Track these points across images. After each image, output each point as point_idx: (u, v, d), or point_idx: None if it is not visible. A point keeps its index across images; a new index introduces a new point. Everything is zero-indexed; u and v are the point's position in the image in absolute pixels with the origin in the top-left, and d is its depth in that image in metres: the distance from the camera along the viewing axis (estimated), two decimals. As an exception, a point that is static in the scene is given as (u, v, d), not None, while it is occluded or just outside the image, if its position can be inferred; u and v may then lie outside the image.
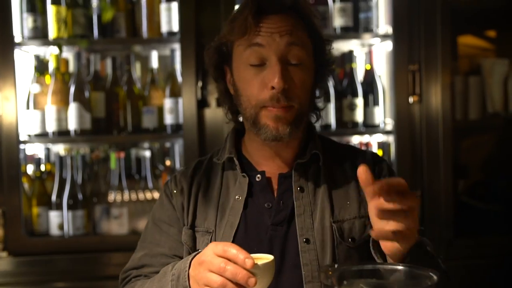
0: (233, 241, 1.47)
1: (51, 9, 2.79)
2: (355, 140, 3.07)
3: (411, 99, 2.80)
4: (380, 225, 1.17)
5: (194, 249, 1.54)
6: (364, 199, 1.48)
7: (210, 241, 1.50)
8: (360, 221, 1.51)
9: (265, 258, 1.25)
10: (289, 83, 1.43)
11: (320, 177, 1.55)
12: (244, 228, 1.51)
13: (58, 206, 2.79)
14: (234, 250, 1.20)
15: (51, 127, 2.77)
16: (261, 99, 1.44)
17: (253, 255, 1.23)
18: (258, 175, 1.55)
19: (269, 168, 1.57)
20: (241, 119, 1.62)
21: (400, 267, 1.08)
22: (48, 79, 2.86)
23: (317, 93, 1.60)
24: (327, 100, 2.83)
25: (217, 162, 1.61)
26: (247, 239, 1.49)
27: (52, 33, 2.80)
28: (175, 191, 1.60)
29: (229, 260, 1.20)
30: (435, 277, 1.01)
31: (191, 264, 1.30)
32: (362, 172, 1.16)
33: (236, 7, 2.72)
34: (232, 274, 1.18)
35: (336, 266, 1.08)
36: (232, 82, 1.54)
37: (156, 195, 2.90)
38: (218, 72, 1.58)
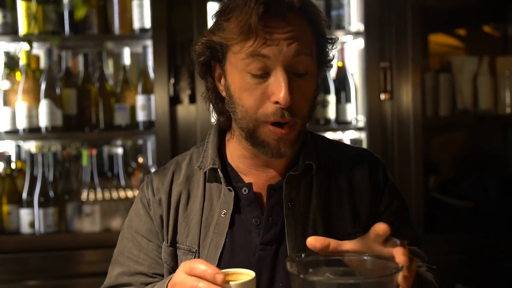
0: (218, 262, 1.37)
1: (21, 5, 2.76)
2: (328, 137, 3.08)
3: (382, 96, 2.83)
4: None
5: (175, 268, 1.41)
6: (359, 211, 1.43)
7: None
8: (354, 237, 1.34)
9: (246, 274, 1.15)
10: (295, 96, 1.28)
11: (312, 189, 1.42)
12: (230, 248, 1.39)
13: (29, 204, 2.76)
14: (202, 266, 1.11)
15: (22, 124, 2.75)
16: (262, 113, 1.30)
17: (235, 269, 1.16)
18: (245, 188, 1.40)
19: (257, 179, 1.42)
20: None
21: (366, 257, 1.09)
22: (18, 76, 2.83)
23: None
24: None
25: (198, 170, 1.45)
26: (233, 260, 1.37)
27: (22, 29, 2.78)
28: (152, 201, 1.46)
29: (199, 277, 1.12)
30: (400, 265, 1.02)
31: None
32: (383, 232, 1.08)
33: (209, 4, 2.75)
34: None
35: (303, 255, 1.08)
36: (225, 85, 1.36)
37: (130, 193, 2.89)
38: (206, 67, 1.40)
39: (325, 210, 1.41)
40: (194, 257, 1.39)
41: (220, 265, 1.37)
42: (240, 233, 1.39)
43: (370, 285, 1.01)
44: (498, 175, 3.10)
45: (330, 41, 1.41)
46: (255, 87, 1.29)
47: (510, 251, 2.83)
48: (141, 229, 1.46)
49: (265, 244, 1.38)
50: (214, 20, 1.37)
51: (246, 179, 1.42)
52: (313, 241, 1.11)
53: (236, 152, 1.43)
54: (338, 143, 1.61)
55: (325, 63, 1.43)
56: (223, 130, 1.49)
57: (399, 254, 1.06)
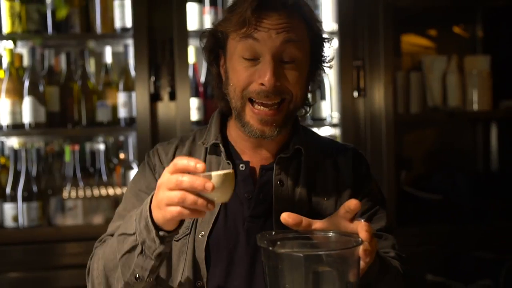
0: (211, 229, 1.48)
1: (4, 4, 2.83)
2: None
3: (355, 94, 2.94)
4: None
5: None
6: (342, 194, 1.54)
7: (192, 224, 1.50)
8: None
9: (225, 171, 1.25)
10: (281, 80, 1.42)
11: (300, 172, 1.54)
12: (224, 216, 1.50)
13: (13, 198, 2.83)
14: (184, 161, 1.21)
15: (5, 120, 2.82)
16: (248, 91, 1.43)
17: (215, 172, 1.24)
18: (242, 164, 1.53)
19: (252, 158, 1.55)
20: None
21: (330, 234, 1.19)
22: (1, 74, 2.90)
23: (310, 88, 1.57)
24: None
25: (202, 145, 1.57)
26: (225, 229, 1.49)
27: (6, 28, 2.85)
28: (158, 167, 1.57)
29: (183, 172, 1.21)
30: (360, 239, 1.13)
31: (152, 198, 1.30)
32: (354, 207, 1.22)
33: (188, 4, 2.85)
34: (189, 183, 1.18)
35: (273, 233, 1.19)
36: (225, 69, 1.51)
37: (111, 190, 2.97)
38: (212, 56, 1.54)
39: (311, 191, 1.54)
40: (192, 220, 1.49)
41: (213, 230, 1.48)
42: (233, 204, 1.49)
43: (332, 256, 1.12)
44: (466, 170, 3.23)
45: (324, 40, 1.53)
46: (245, 69, 1.43)
47: (477, 241, 2.95)
48: (143, 186, 1.56)
49: (253, 217, 1.49)
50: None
51: (244, 157, 1.56)
52: (286, 217, 1.23)
53: (235, 133, 1.57)
54: (327, 138, 1.75)
55: (321, 61, 1.55)
56: (224, 114, 1.62)
57: (362, 230, 1.18)
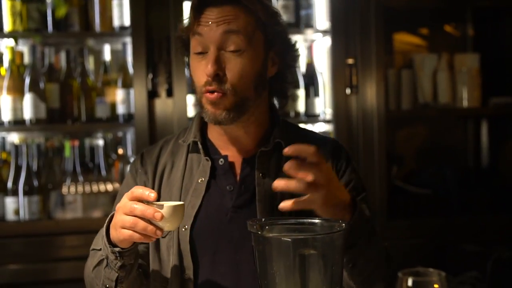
0: (193, 222, 1.56)
1: (5, 3, 2.90)
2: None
3: (348, 91, 3.01)
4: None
5: None
6: None
7: None
8: None
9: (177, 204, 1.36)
10: (223, 70, 1.49)
11: (281, 165, 1.55)
12: (206, 208, 1.57)
13: (14, 193, 2.89)
14: (139, 190, 1.33)
15: (7, 116, 2.89)
16: (201, 84, 1.52)
17: (170, 202, 1.36)
18: (221, 159, 1.60)
19: (233, 153, 1.61)
20: None
21: (317, 220, 1.27)
22: (3, 71, 2.97)
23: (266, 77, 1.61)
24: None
25: (182, 143, 1.65)
26: (208, 220, 1.56)
27: (7, 26, 2.92)
28: (139, 171, 1.67)
29: (138, 199, 1.32)
30: (343, 224, 1.20)
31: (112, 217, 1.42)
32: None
33: (185, 3, 2.92)
34: (141, 211, 1.30)
35: (263, 219, 1.26)
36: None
37: (109, 185, 3.04)
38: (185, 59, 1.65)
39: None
40: None
41: (196, 223, 1.56)
42: (215, 196, 1.58)
43: (318, 240, 1.19)
44: (455, 166, 3.30)
45: (277, 25, 1.58)
46: (198, 64, 1.53)
47: (465, 234, 3.02)
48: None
49: (237, 207, 1.57)
50: None
51: (223, 153, 1.63)
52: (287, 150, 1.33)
53: (215, 129, 1.64)
54: (308, 130, 1.82)
55: (281, 49, 1.60)
56: None
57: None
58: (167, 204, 1.32)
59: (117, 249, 1.40)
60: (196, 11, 1.52)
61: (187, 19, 1.55)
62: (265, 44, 1.56)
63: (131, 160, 3.02)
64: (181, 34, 1.60)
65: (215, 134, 1.64)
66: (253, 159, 1.59)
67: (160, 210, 1.30)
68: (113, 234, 1.39)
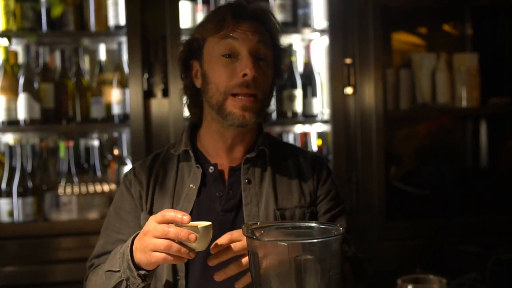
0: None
1: (-1, 2, 2.87)
2: (297, 129, 3.23)
3: (346, 91, 2.98)
4: None
5: None
6: (304, 191, 1.72)
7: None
8: (301, 210, 1.70)
9: (204, 223, 1.38)
10: (258, 73, 1.61)
11: (266, 171, 1.72)
12: (197, 213, 1.64)
13: (8, 194, 2.86)
14: (171, 213, 1.34)
15: (1, 117, 2.86)
16: (230, 85, 1.60)
17: (193, 222, 1.37)
18: (211, 167, 1.70)
19: (221, 161, 1.72)
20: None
21: (313, 224, 1.24)
22: (-3, 71, 2.94)
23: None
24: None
25: (173, 153, 1.74)
26: None
27: (1, 25, 2.88)
28: (133, 181, 1.73)
29: (170, 223, 1.34)
30: (341, 229, 1.18)
31: (134, 239, 1.43)
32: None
33: (181, 3, 2.89)
34: (175, 233, 1.31)
35: (258, 223, 1.24)
36: (202, 73, 1.68)
37: (105, 186, 3.01)
38: (185, 66, 1.73)
39: (276, 187, 1.71)
40: None
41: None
42: (205, 202, 1.68)
43: (314, 245, 1.16)
44: (454, 166, 3.28)
45: (283, 52, 1.76)
46: (226, 66, 1.62)
47: (464, 235, 3.00)
48: (123, 205, 1.72)
49: (225, 211, 1.67)
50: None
51: (212, 161, 1.73)
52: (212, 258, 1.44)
53: (206, 137, 1.75)
54: (290, 144, 1.99)
55: (279, 70, 1.75)
56: (195, 126, 1.80)
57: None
58: (200, 225, 1.34)
59: (142, 272, 1.42)
60: (233, 18, 1.63)
61: (209, 22, 1.66)
62: (273, 58, 1.71)
63: (127, 160, 3.00)
64: (194, 39, 1.68)
65: (208, 143, 1.74)
66: (239, 167, 1.70)
67: (194, 232, 1.32)
68: (140, 257, 1.40)
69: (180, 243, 1.33)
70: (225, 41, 1.62)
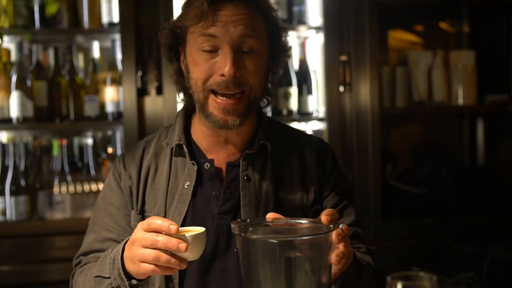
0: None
1: (-9, -1, 2.85)
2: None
3: (341, 88, 2.96)
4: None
5: None
6: (307, 188, 1.58)
7: None
8: (302, 211, 1.57)
9: (197, 230, 1.29)
10: (241, 71, 1.45)
11: (266, 167, 1.57)
12: (192, 215, 1.53)
13: (1, 193, 2.84)
14: (158, 221, 1.24)
15: (-7, 115, 2.84)
16: (209, 84, 1.46)
17: (186, 227, 1.30)
18: (207, 163, 1.56)
19: (218, 155, 1.58)
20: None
21: (304, 221, 1.22)
22: (-11, 69, 2.92)
23: (270, 78, 1.61)
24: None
25: (165, 146, 1.60)
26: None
27: (-7, 23, 2.86)
28: (123, 174, 1.60)
29: (157, 232, 1.24)
30: (331, 226, 1.15)
31: (125, 247, 1.34)
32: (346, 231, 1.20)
33: (174, 0, 2.87)
34: (163, 243, 1.22)
35: (248, 220, 1.21)
36: (185, 64, 1.54)
37: (100, 185, 2.99)
38: (172, 52, 1.57)
39: (277, 186, 1.57)
40: None
41: None
42: (201, 203, 1.55)
43: (305, 242, 1.14)
44: (451, 164, 3.26)
45: (282, 30, 1.58)
46: (205, 61, 1.46)
47: (461, 234, 2.98)
48: (112, 200, 1.60)
49: (222, 213, 1.53)
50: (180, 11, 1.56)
51: (208, 156, 1.59)
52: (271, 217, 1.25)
53: (199, 130, 1.59)
54: (293, 129, 1.76)
55: (281, 50, 1.59)
56: (189, 112, 1.64)
57: (335, 235, 1.18)
58: (189, 234, 1.25)
59: (134, 281, 1.35)
60: (211, 7, 1.44)
61: (189, 9, 1.48)
62: (269, 44, 1.55)
63: (121, 159, 2.97)
64: (177, 26, 1.53)
65: (200, 135, 1.60)
66: (238, 162, 1.56)
67: (184, 240, 1.23)
68: (130, 267, 1.32)
69: (171, 252, 1.24)
70: (204, 37, 1.45)
